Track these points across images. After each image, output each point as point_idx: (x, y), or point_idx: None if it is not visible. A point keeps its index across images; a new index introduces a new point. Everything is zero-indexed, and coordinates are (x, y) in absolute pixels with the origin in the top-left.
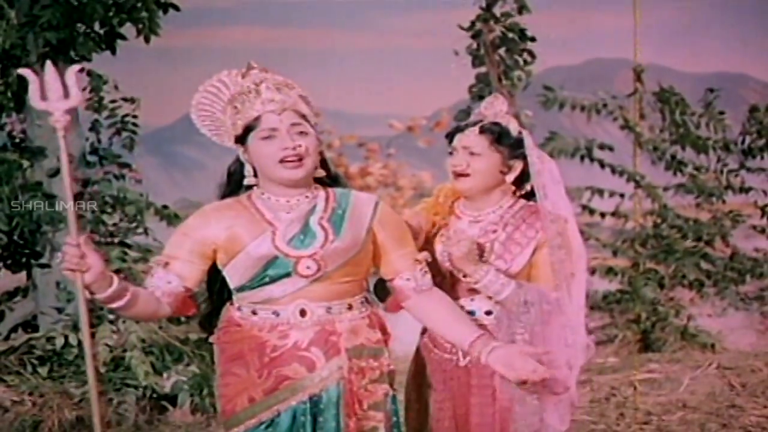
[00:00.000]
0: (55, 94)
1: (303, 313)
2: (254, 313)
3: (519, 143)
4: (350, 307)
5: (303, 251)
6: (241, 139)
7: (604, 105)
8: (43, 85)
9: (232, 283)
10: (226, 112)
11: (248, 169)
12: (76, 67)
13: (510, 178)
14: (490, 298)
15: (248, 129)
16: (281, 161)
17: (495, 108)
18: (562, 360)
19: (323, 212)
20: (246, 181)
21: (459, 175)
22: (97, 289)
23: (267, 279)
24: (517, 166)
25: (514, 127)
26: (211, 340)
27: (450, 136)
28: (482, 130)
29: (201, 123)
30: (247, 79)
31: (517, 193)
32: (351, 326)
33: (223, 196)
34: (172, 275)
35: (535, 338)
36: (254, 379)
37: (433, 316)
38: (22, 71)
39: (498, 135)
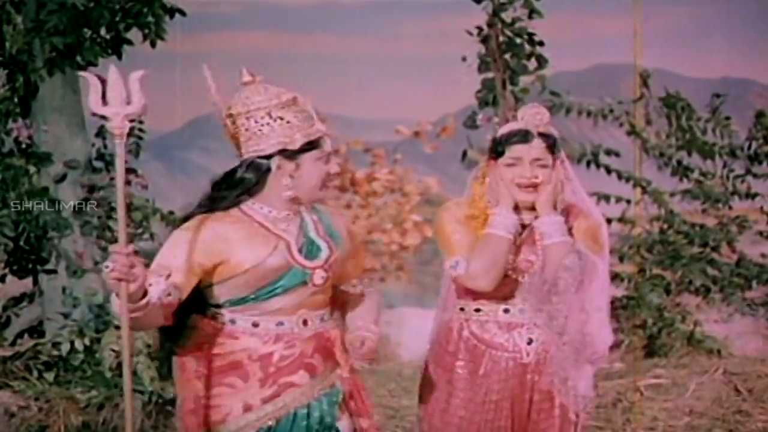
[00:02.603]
0: (116, 99)
1: (305, 322)
2: (255, 325)
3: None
4: (331, 314)
5: (316, 262)
6: (292, 153)
7: (611, 110)
8: (105, 89)
9: (228, 296)
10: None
11: (287, 182)
12: (139, 72)
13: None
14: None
15: (309, 146)
16: (323, 183)
17: (538, 118)
18: (596, 325)
19: (313, 225)
20: (288, 194)
21: (528, 186)
22: (131, 299)
23: (279, 290)
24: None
25: (556, 134)
26: (190, 350)
27: (497, 148)
28: (545, 143)
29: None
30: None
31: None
32: (336, 333)
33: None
34: (171, 287)
35: (571, 303)
36: (255, 389)
37: (351, 308)
38: (84, 74)
39: (554, 144)
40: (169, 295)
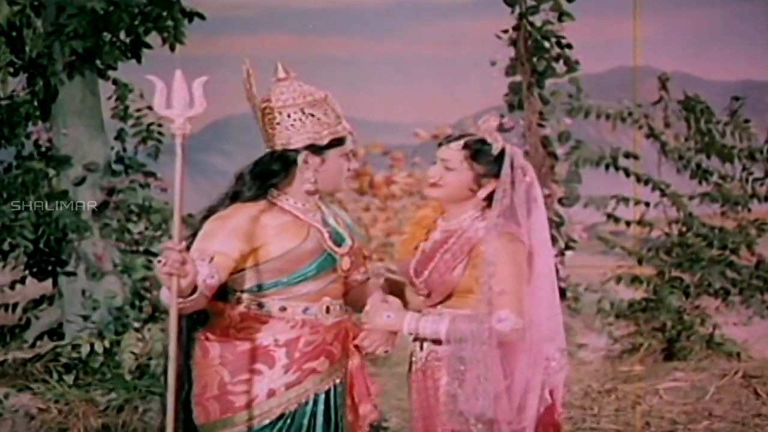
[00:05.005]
0: (180, 102)
1: (328, 309)
2: (282, 309)
3: (498, 162)
4: (343, 305)
5: (344, 248)
6: (318, 148)
7: (630, 113)
8: (170, 92)
9: (259, 281)
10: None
11: (310, 176)
12: (204, 78)
13: (481, 194)
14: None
15: (335, 142)
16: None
17: (488, 124)
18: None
19: (333, 217)
20: (308, 187)
21: (432, 185)
22: (181, 294)
23: (310, 274)
24: (490, 184)
25: (496, 146)
26: (214, 336)
27: (439, 146)
28: (463, 146)
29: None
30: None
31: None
32: (350, 324)
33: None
34: (215, 270)
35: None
36: (279, 374)
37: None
38: (152, 77)
39: (475, 152)
40: (212, 277)
